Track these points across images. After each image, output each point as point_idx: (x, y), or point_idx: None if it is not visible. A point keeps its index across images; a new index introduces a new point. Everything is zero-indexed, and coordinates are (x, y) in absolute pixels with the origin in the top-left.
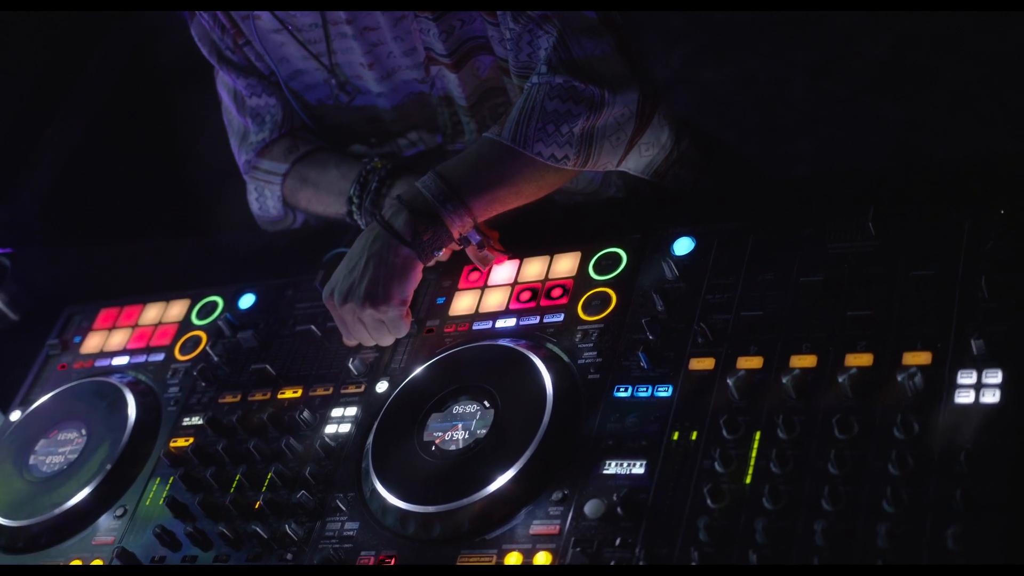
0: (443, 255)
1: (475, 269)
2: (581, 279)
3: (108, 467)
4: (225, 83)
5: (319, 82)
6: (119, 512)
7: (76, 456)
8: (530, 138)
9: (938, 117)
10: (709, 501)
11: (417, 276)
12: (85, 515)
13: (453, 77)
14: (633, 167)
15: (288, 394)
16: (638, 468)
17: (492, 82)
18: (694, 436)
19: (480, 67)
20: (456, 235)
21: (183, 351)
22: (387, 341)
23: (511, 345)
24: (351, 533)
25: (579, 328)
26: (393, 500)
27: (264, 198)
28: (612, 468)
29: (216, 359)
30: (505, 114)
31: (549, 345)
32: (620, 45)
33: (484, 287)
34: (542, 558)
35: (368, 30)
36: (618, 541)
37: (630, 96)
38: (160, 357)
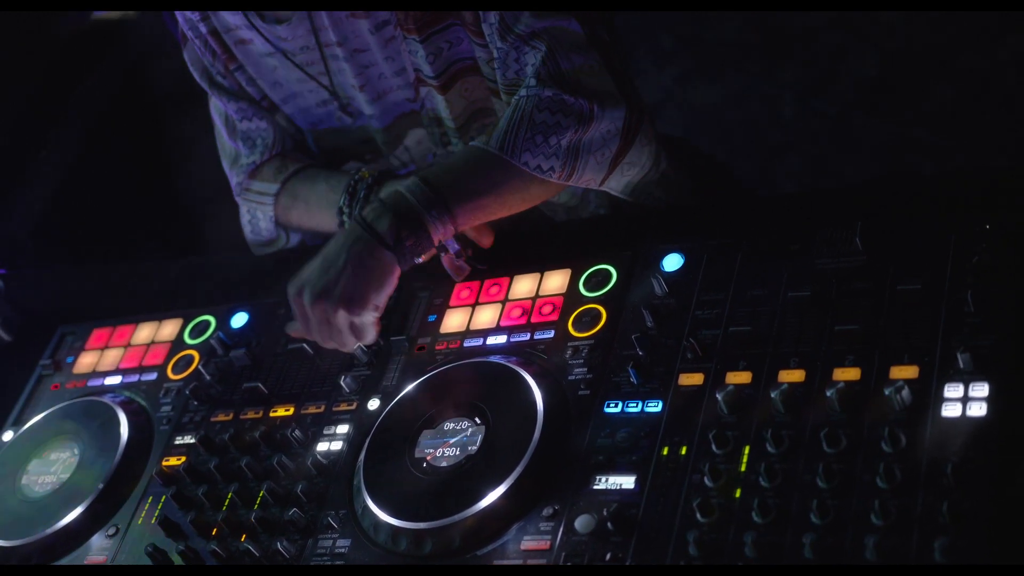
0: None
1: (465, 284)
2: (571, 296)
3: (100, 486)
4: (217, 107)
5: (312, 105)
6: (111, 531)
7: (68, 475)
8: (518, 147)
9: (926, 134)
10: (699, 515)
11: (394, 282)
12: (77, 534)
13: (440, 99)
14: (614, 186)
15: (280, 412)
16: (628, 483)
17: (480, 103)
18: (684, 451)
19: (468, 88)
20: (436, 242)
21: (175, 370)
22: (350, 346)
23: (502, 362)
24: (343, 550)
25: (569, 344)
26: (385, 517)
27: (256, 220)
28: (602, 483)
29: (208, 378)
30: (493, 125)
31: (539, 362)
32: (607, 62)
33: (475, 304)
34: None
35: (358, 52)
36: (608, 556)
37: (617, 112)
38: (153, 376)
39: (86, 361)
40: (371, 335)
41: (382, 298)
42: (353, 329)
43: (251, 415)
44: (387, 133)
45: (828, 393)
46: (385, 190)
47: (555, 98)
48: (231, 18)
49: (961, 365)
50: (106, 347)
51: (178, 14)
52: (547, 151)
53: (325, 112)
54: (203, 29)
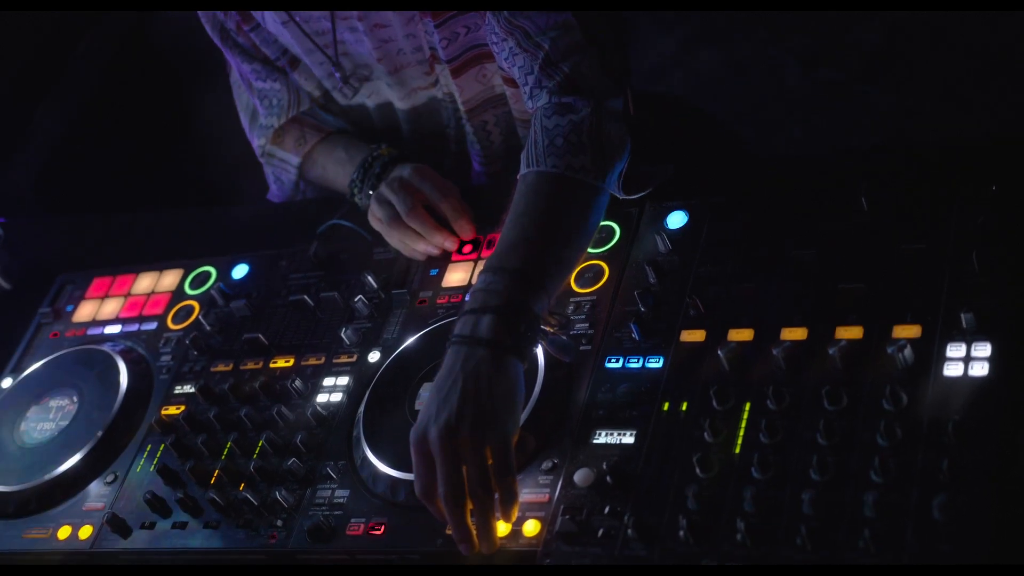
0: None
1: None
2: None
3: (99, 434)
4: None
5: (324, 76)
6: (110, 479)
7: (67, 423)
8: (542, 156)
9: (929, 105)
10: (698, 470)
11: (523, 389)
12: (76, 481)
13: (453, 82)
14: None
15: (280, 363)
16: (628, 438)
17: (495, 89)
18: (684, 407)
19: (485, 75)
20: (542, 312)
21: (176, 320)
22: (488, 500)
23: None
24: (341, 500)
25: (571, 300)
26: (384, 468)
27: (282, 182)
28: (602, 438)
29: (208, 328)
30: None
31: (550, 352)
32: (605, 59)
33: (477, 260)
34: (531, 526)
35: (379, 27)
36: (607, 509)
37: (616, 102)
38: (152, 326)
39: (86, 310)
40: (512, 466)
41: (517, 410)
42: (496, 461)
43: (251, 366)
44: (404, 102)
45: (830, 351)
46: (401, 169)
47: (560, 102)
48: None
49: (964, 325)
50: (106, 296)
51: None
52: (572, 149)
53: (330, 85)
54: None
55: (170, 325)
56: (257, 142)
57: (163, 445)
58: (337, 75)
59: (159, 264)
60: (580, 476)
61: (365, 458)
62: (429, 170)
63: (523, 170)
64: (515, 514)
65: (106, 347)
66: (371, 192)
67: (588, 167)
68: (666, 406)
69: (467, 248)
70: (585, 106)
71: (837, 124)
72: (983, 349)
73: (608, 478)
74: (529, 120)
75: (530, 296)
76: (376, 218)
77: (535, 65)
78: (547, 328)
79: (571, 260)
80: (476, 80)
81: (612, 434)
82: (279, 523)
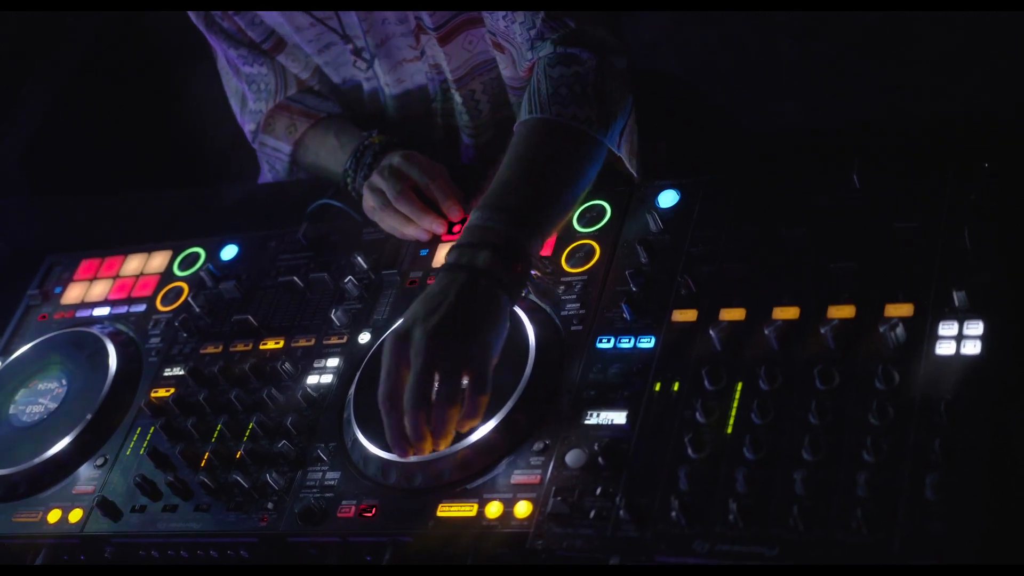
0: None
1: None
2: (565, 231)
3: (88, 417)
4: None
5: (314, 53)
6: (99, 462)
7: (56, 406)
8: (545, 104)
9: (923, 79)
10: (690, 451)
11: (507, 325)
12: (65, 464)
13: (440, 51)
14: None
15: (270, 345)
16: (620, 418)
17: (483, 55)
18: (676, 387)
19: (472, 41)
20: (535, 256)
21: (164, 302)
22: (449, 422)
23: None
24: (332, 483)
25: (562, 280)
26: (375, 450)
27: (276, 170)
28: (594, 418)
29: (198, 310)
30: (518, 104)
31: (532, 296)
32: (605, 15)
33: None
34: (523, 508)
35: None
36: (599, 490)
37: (621, 59)
38: (141, 308)
39: (74, 292)
40: (488, 387)
41: (499, 342)
42: (473, 379)
43: (240, 348)
44: (390, 76)
45: (822, 330)
46: (392, 157)
47: (564, 52)
48: None
49: (956, 303)
50: (94, 278)
51: None
52: (576, 100)
53: (323, 60)
54: None
55: (159, 307)
56: (248, 127)
57: (153, 428)
58: (349, 48)
59: (148, 245)
60: (571, 457)
61: (356, 440)
62: (418, 155)
63: (523, 116)
64: (470, 427)
65: (95, 329)
66: (364, 181)
67: (593, 119)
68: (658, 386)
69: (457, 228)
70: (591, 58)
71: (831, 99)
72: (975, 327)
73: (600, 459)
74: (520, 87)
75: (526, 237)
76: (369, 206)
77: (537, 20)
78: (535, 272)
79: (568, 204)
80: (463, 47)
81: (604, 415)
82: (270, 506)
